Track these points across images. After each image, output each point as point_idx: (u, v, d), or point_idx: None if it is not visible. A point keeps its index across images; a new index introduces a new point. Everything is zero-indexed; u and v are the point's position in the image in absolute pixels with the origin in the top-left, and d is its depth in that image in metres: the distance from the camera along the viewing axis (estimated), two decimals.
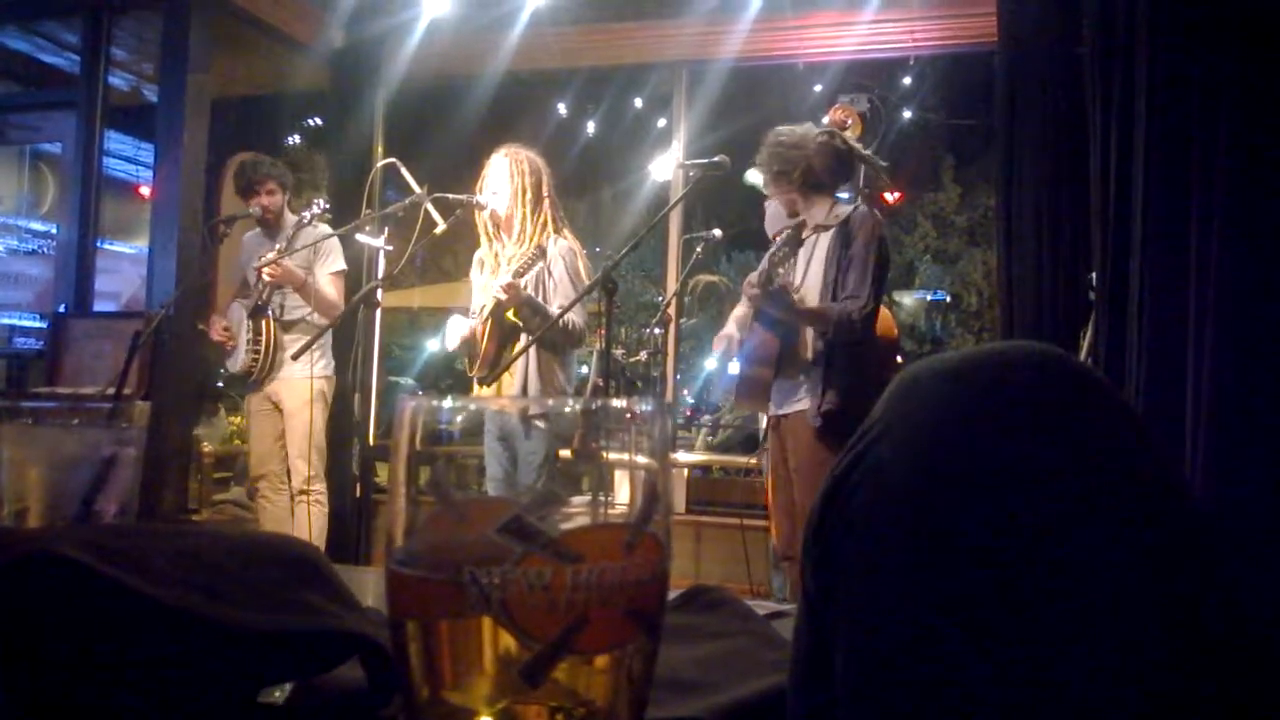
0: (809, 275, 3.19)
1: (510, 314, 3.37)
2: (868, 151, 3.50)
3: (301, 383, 4.17)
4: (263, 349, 4.19)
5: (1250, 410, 2.26)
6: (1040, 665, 0.43)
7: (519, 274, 3.31)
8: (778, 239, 3.22)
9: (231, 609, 0.57)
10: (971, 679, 0.44)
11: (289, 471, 4.30)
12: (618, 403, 0.44)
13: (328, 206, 4.43)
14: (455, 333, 3.54)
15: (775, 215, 4.10)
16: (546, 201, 3.47)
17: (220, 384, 8.49)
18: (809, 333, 3.12)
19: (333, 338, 4.39)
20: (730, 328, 3.92)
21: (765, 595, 4.11)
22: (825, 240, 3.16)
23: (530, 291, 3.36)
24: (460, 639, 0.39)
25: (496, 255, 3.52)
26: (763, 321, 3.22)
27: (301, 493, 4.24)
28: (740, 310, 4.50)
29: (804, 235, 3.23)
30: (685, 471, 5.46)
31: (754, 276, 3.11)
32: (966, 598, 0.45)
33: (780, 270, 3.12)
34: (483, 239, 3.58)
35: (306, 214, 4.28)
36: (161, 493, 4.46)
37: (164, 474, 4.49)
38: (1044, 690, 0.43)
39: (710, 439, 7.19)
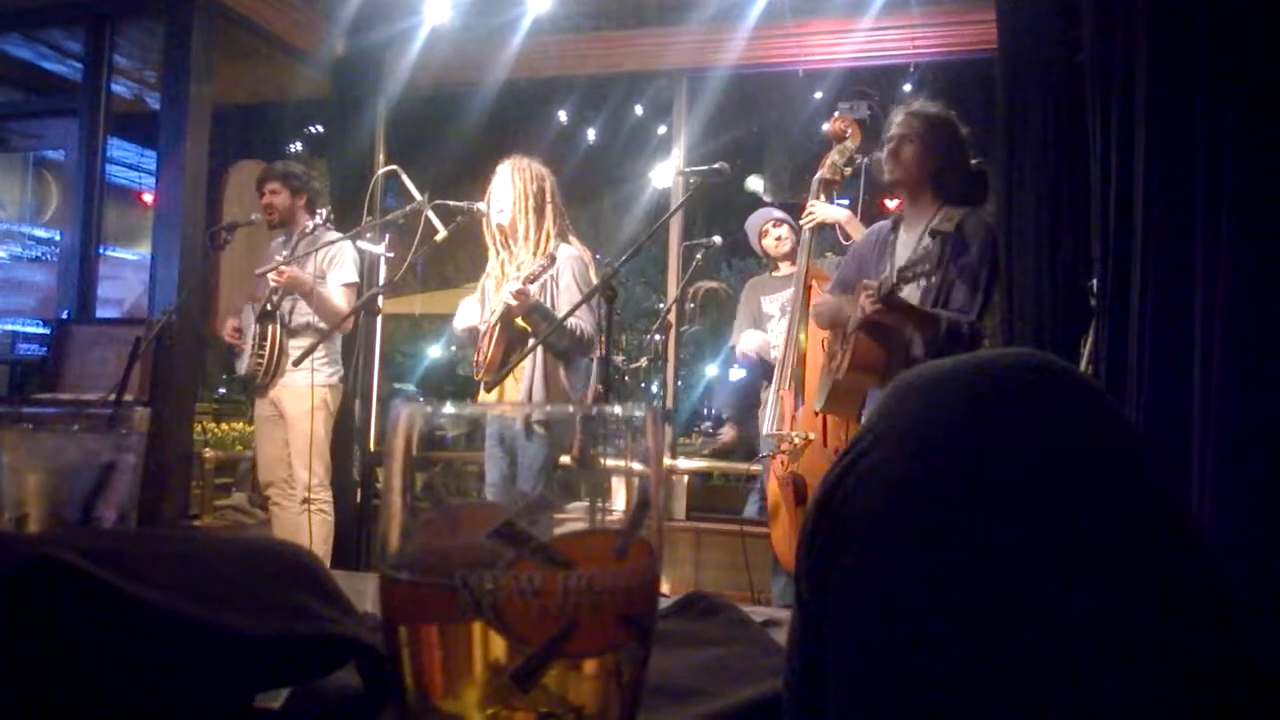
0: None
1: (520, 320, 3.39)
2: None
3: (304, 389, 4.18)
4: (267, 352, 4.21)
5: (1257, 419, 2.25)
6: (1037, 668, 0.43)
7: (529, 280, 3.33)
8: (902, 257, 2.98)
9: (228, 614, 0.57)
10: (965, 683, 0.44)
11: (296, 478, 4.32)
12: (616, 409, 0.44)
13: (331, 215, 4.47)
14: (465, 315, 3.56)
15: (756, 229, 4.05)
16: (550, 209, 3.49)
17: (222, 390, 8.49)
18: (918, 341, 2.91)
19: (340, 345, 4.42)
20: (752, 342, 3.85)
21: (766, 602, 4.10)
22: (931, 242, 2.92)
23: (539, 299, 3.38)
24: (452, 644, 0.40)
25: (503, 265, 3.54)
26: (867, 330, 2.95)
27: (305, 500, 4.25)
28: (745, 333, 4.47)
29: (898, 233, 3.07)
30: (685, 478, 5.46)
31: (870, 285, 2.87)
32: (958, 603, 0.45)
33: (885, 273, 2.93)
34: (490, 251, 3.60)
35: (310, 222, 4.32)
36: (164, 498, 4.47)
37: (166, 479, 4.50)
38: (1042, 693, 0.43)
39: (710, 445, 7.18)
